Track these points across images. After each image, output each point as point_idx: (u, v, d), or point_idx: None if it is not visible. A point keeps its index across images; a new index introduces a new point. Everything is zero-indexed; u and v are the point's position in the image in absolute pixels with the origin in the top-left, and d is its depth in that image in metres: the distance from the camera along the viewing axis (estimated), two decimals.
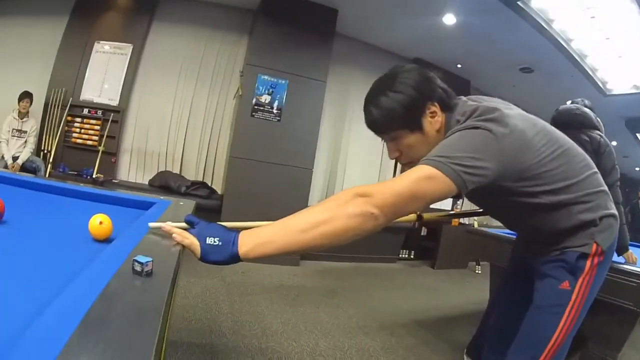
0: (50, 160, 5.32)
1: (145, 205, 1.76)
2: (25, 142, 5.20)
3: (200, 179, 5.77)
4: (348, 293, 4.40)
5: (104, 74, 5.61)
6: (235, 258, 1.04)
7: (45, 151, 5.46)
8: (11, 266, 0.89)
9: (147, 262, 0.79)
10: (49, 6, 6.14)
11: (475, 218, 6.29)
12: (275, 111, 5.34)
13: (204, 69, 5.92)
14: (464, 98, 1.42)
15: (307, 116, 5.47)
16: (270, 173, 5.25)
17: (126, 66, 5.63)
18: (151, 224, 1.18)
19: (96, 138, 5.48)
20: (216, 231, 1.07)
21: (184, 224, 1.14)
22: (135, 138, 5.77)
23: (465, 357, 2.17)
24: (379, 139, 1.42)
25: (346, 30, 5.88)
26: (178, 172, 5.70)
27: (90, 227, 1.18)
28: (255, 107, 5.28)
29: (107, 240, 1.14)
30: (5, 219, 1.24)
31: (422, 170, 1.13)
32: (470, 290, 5.40)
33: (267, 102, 5.30)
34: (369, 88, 1.37)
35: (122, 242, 1.03)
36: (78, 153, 5.49)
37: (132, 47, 5.62)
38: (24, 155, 5.14)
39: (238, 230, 1.08)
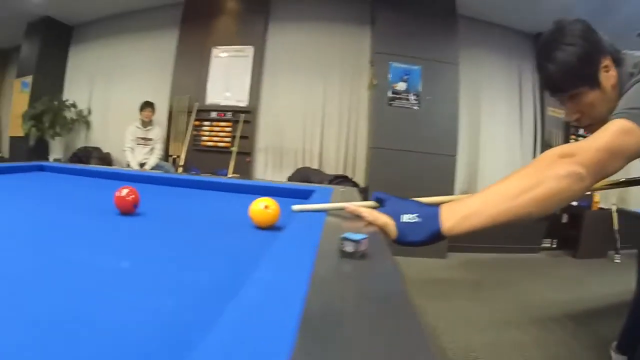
0: (181, 163, 5.45)
1: (304, 194, 1.67)
2: (152, 149, 5.28)
3: (341, 172, 5.61)
4: (494, 285, 4.27)
5: (227, 77, 5.78)
6: (436, 236, 0.91)
7: (174, 156, 5.65)
8: (189, 257, 0.83)
9: (362, 239, 0.65)
10: (158, 20, 6.57)
11: (614, 201, 5.94)
12: (412, 98, 5.13)
13: (328, 62, 5.87)
14: (628, 51, 1.31)
15: (444, 101, 5.28)
16: (413, 162, 5.09)
17: (250, 67, 5.75)
18: (295, 207, 1.10)
19: (228, 139, 5.63)
20: (412, 207, 0.95)
21: (368, 203, 1.04)
22: (269, 137, 5.85)
23: (613, 353, 2.08)
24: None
25: (467, 11, 5.70)
26: (317, 168, 5.64)
27: (252, 212, 1.07)
28: (392, 95, 5.12)
29: (272, 228, 1.06)
30: (163, 212, 1.29)
31: (617, 125, 1.01)
32: (611, 280, 5.04)
33: (403, 89, 5.13)
34: (538, 46, 1.31)
35: (299, 228, 0.91)
36: (209, 155, 5.66)
37: (253, 48, 5.77)
38: (152, 161, 5.25)
39: (435, 204, 0.96)
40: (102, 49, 7.11)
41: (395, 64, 5.18)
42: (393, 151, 5.06)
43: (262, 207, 1.05)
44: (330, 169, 5.68)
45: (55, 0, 6.67)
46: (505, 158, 5.98)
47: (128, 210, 1.17)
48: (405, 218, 0.92)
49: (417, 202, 0.98)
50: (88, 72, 7.16)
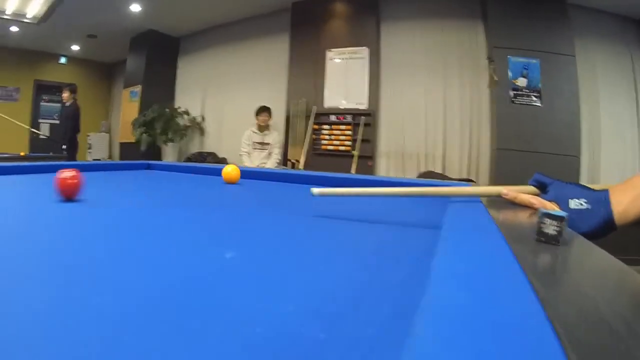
0: (301, 167, 5.54)
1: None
2: (269, 153, 5.32)
3: (465, 176, 5.54)
4: None
5: (344, 79, 5.76)
6: (609, 224, 0.78)
7: (293, 160, 5.74)
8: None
9: (566, 216, 0.55)
10: (267, 26, 6.77)
11: None
12: (534, 94, 4.99)
13: (444, 60, 5.71)
14: None
15: (565, 96, 5.08)
16: (537, 163, 4.87)
17: (367, 69, 5.67)
18: (315, 190, 1.07)
19: (349, 143, 5.60)
20: (579, 191, 0.83)
21: (526, 188, 0.94)
22: (391, 140, 5.72)
23: None
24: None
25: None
26: (441, 172, 5.55)
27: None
28: (513, 92, 4.99)
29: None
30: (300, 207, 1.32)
31: None
32: None
33: (524, 85, 4.99)
34: None
35: (457, 219, 0.78)
36: (330, 159, 5.67)
37: (367, 49, 5.68)
38: (270, 165, 5.28)
39: (602, 190, 0.82)
40: (212, 58, 7.46)
41: (514, 59, 5.05)
42: (518, 152, 4.92)
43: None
44: (454, 173, 5.54)
45: (158, 16, 7.10)
46: (625, 158, 5.59)
47: (67, 194, 1.12)
48: (573, 204, 0.81)
49: (582, 185, 0.86)
50: (199, 80, 7.54)
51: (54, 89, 9.50)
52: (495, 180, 5.01)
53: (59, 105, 9.59)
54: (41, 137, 7.86)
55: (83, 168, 1.75)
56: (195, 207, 1.28)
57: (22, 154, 6.06)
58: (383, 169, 5.68)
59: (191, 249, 0.73)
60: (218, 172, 2.10)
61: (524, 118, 4.96)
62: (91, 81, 9.50)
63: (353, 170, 5.30)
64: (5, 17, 7.17)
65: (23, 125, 7.82)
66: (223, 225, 0.98)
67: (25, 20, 7.33)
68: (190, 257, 0.67)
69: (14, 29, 7.85)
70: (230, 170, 1.85)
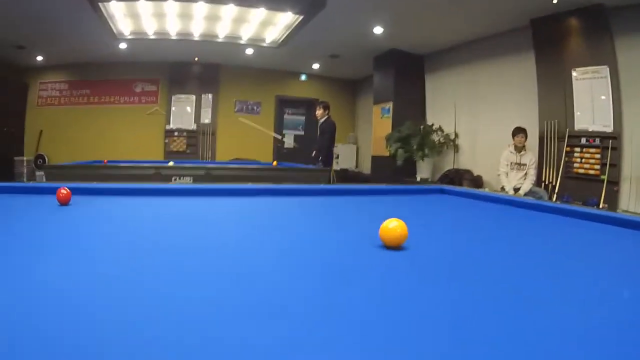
0: (556, 191, 5.83)
1: None
2: (525, 174, 5.76)
3: None
4: None
5: (590, 100, 5.80)
6: None
7: (547, 182, 6.07)
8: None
9: None
10: (511, 44, 7.00)
11: None
12: None
13: None
14: None
15: None
16: None
17: (609, 89, 5.59)
18: None
19: (597, 167, 5.64)
20: None
21: None
22: (632, 164, 5.47)
23: None
24: None
25: None
26: None
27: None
28: None
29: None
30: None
31: None
32: None
33: None
34: None
35: None
36: (581, 183, 5.78)
37: (607, 68, 5.61)
38: (525, 186, 5.68)
39: None
40: (460, 75, 8.09)
41: None
42: None
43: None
44: None
45: (400, 36, 7.90)
46: None
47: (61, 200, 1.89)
48: None
49: None
50: (449, 97, 8.20)
51: (297, 103, 11.25)
52: None
53: (302, 118, 11.27)
54: (293, 146, 9.45)
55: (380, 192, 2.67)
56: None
57: (274, 163, 7.14)
58: (626, 194, 5.48)
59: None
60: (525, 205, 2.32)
61: None
62: (332, 96, 10.70)
63: (602, 195, 5.37)
64: (241, 42, 8.34)
65: (276, 135, 9.48)
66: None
67: (264, 45, 8.53)
68: None
69: (249, 51, 9.13)
70: None
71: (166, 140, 10.37)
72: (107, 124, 10.17)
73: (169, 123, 10.44)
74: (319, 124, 6.75)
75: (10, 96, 9.48)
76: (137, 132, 10.20)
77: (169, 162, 6.53)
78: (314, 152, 6.66)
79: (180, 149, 10.34)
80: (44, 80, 10.15)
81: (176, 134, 10.43)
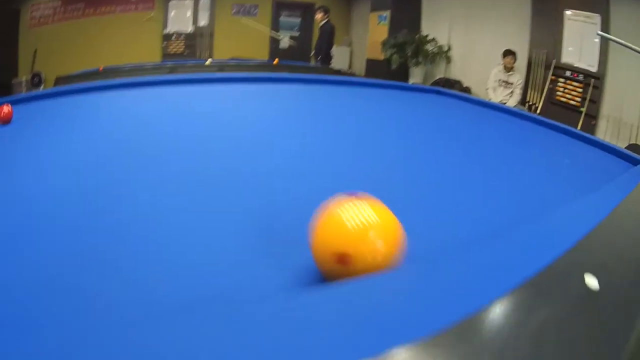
0: (537, 112, 6.57)
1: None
2: (511, 92, 6.29)
3: None
4: None
5: (579, 40, 6.26)
6: None
7: (530, 103, 6.92)
8: None
9: None
10: None
11: None
12: None
13: None
14: None
15: None
16: None
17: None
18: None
19: (578, 100, 6.21)
20: None
21: None
22: (611, 105, 5.93)
23: None
24: None
25: None
26: None
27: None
28: None
29: None
30: None
31: None
32: None
33: None
34: None
35: None
36: (560, 110, 6.35)
37: (599, 17, 5.93)
38: (510, 103, 6.11)
39: None
40: None
41: None
42: None
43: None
44: None
45: None
46: None
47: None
48: None
49: None
50: (445, 12, 8.75)
51: (293, 6, 11.66)
52: None
53: (298, 20, 11.69)
54: (289, 45, 9.91)
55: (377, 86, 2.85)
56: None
57: (276, 61, 7.27)
58: (602, 131, 5.95)
59: None
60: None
61: None
62: (329, 1, 10.70)
63: (579, 125, 5.83)
64: None
65: (275, 34, 10.07)
66: None
67: None
68: None
69: None
70: None
71: (164, 44, 10.80)
72: (104, 35, 10.31)
73: (166, 27, 10.79)
74: (319, 27, 7.26)
75: (2, 24, 9.32)
76: (135, 39, 10.47)
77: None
78: (313, 53, 7.26)
79: (178, 51, 10.80)
80: (35, 2, 10.02)
81: (174, 37, 10.84)
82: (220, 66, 5.86)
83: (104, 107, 2.05)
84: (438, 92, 2.93)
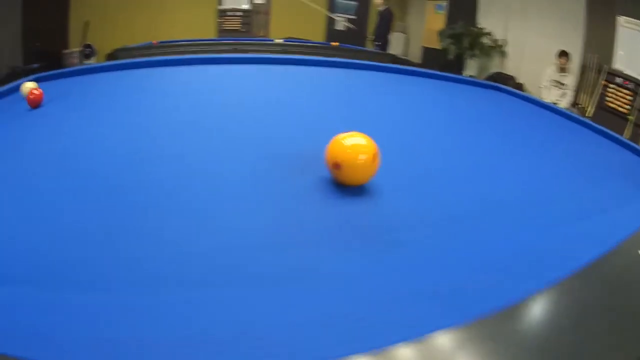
0: (589, 115, 6.71)
1: None
2: (564, 93, 6.48)
3: None
4: None
5: (631, 47, 6.34)
6: None
7: (580, 105, 7.06)
8: None
9: None
10: None
11: None
12: None
13: None
14: None
15: None
16: None
17: None
18: None
19: (628, 107, 6.20)
20: None
21: None
22: None
23: None
24: None
25: None
26: None
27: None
28: None
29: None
30: None
31: None
32: None
33: None
34: None
35: None
36: (609, 116, 6.40)
37: None
38: (562, 104, 6.20)
39: None
40: None
41: None
42: None
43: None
44: None
45: None
46: None
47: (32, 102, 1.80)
48: None
49: None
50: (502, 5, 8.79)
51: None
52: None
53: (354, 3, 11.84)
54: (346, 27, 9.99)
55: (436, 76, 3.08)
56: None
57: (335, 44, 7.43)
58: None
59: None
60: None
61: None
62: None
63: (626, 134, 5.84)
64: None
65: (334, 15, 10.31)
66: None
67: None
68: None
69: None
70: None
71: (219, 20, 11.12)
72: (156, 8, 10.58)
73: (220, 3, 11.11)
74: (378, 12, 7.57)
75: None
76: (190, 14, 10.74)
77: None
78: (371, 37, 7.56)
79: (235, 27, 11.06)
80: None
81: (229, 13, 11.14)
82: (283, 47, 6.07)
83: (164, 81, 2.46)
84: (498, 89, 3.07)
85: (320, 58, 3.15)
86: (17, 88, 1.98)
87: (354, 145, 1.14)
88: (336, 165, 1.13)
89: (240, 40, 7.05)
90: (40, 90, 1.79)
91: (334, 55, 6.15)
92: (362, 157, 1.12)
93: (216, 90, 2.28)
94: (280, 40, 6.79)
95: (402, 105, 2.36)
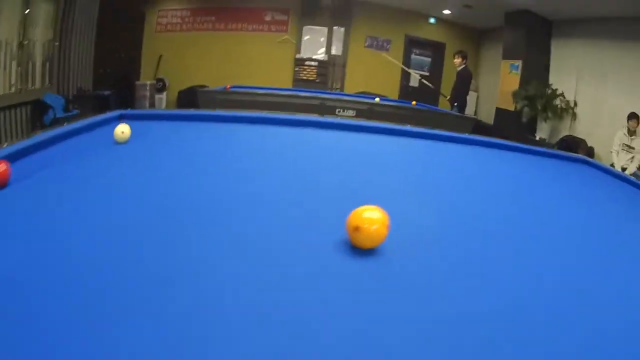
0: None
1: None
2: (633, 157, 6.37)
3: None
4: None
5: None
6: None
7: None
8: None
9: None
10: None
11: None
12: None
13: None
14: None
15: None
16: None
17: None
18: None
19: None
20: None
21: None
22: None
23: None
24: None
25: None
26: None
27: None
28: None
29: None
30: None
31: None
32: None
33: None
34: None
35: None
36: None
37: None
38: (631, 169, 6.24)
39: None
40: (588, 48, 8.58)
41: None
42: None
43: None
44: None
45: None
46: None
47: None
48: None
49: None
50: (573, 66, 8.86)
51: (424, 45, 12.18)
52: None
53: (428, 59, 12.28)
54: (424, 84, 9.81)
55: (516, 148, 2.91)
56: None
57: (413, 103, 7.74)
58: None
59: None
60: None
61: None
62: (457, 43, 11.44)
63: None
64: None
65: (415, 73, 10.38)
66: None
67: None
68: None
69: None
70: None
71: (296, 69, 11.57)
72: (232, 51, 11.09)
73: (299, 52, 11.56)
74: (457, 71, 7.50)
75: (127, 24, 10.11)
76: (264, 59, 11.24)
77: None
78: (448, 97, 7.57)
79: (310, 78, 11.48)
80: (163, 7, 10.99)
81: (307, 63, 11.58)
82: (370, 105, 6.43)
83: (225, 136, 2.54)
84: (586, 163, 2.97)
85: (409, 128, 3.09)
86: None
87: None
88: (356, 228, 1.20)
89: (326, 95, 7.29)
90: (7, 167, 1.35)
91: (414, 116, 6.51)
92: None
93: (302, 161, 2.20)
94: (378, 100, 7.14)
95: (495, 189, 2.12)
